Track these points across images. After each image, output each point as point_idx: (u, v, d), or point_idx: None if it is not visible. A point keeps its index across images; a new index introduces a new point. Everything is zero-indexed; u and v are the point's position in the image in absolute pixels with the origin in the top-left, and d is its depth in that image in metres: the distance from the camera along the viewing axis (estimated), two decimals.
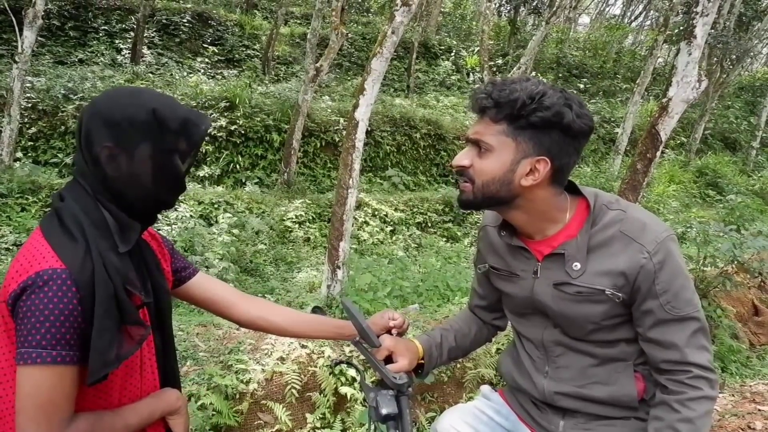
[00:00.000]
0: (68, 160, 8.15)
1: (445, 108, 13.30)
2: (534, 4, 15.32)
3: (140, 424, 1.12)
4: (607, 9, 29.97)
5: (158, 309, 1.20)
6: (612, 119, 14.18)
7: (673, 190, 11.63)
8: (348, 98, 11.66)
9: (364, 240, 8.11)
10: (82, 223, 1.03)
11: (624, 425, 1.29)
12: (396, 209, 8.98)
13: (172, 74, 11.28)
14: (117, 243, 1.06)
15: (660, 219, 1.26)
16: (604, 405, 1.29)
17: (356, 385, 2.89)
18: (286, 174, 9.09)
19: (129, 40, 11.76)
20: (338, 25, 8.16)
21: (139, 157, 1.06)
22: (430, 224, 9.16)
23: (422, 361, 1.45)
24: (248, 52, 13.32)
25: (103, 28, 11.96)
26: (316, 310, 1.59)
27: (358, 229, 8.12)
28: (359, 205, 8.37)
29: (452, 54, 16.03)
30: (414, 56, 14.25)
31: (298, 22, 15.90)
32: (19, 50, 7.32)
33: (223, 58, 12.89)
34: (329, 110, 10.54)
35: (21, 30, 7.32)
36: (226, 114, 9.35)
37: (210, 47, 12.85)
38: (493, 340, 3.41)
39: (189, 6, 13.95)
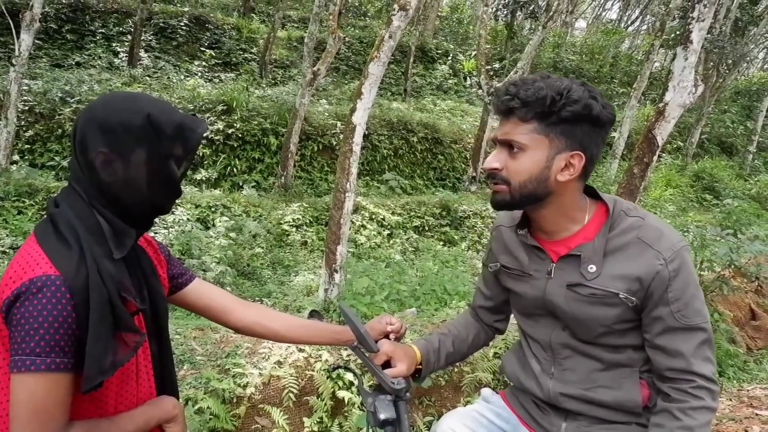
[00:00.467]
0: (65, 163, 8.13)
1: (442, 112, 13.34)
2: (531, 8, 15.38)
3: None
4: (603, 13, 30.11)
5: (155, 315, 1.19)
6: None
7: (670, 194, 11.67)
8: (345, 102, 11.67)
9: (362, 243, 8.10)
10: (76, 229, 1.02)
11: (625, 430, 1.29)
12: (393, 213, 8.98)
13: (169, 77, 11.29)
14: (112, 249, 1.05)
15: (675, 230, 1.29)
16: (608, 409, 1.29)
17: (353, 389, 2.88)
18: (283, 177, 9.09)
19: (126, 44, 11.77)
20: (335, 29, 8.18)
21: (135, 163, 1.05)
22: (427, 228, 9.16)
23: (420, 366, 1.45)
24: (245, 55, 13.33)
25: (100, 31, 11.96)
26: (313, 313, 1.58)
27: (355, 233, 8.12)
28: (356, 209, 8.37)
29: (449, 58, 16.08)
30: (411, 60, 14.29)
31: (296, 25, 15.92)
32: (16, 53, 7.32)
33: (220, 61, 12.90)
34: (326, 114, 10.55)
35: (18, 33, 7.32)
36: (223, 117, 9.35)
37: (207, 51, 12.86)
38: (491, 344, 3.41)
39: (186, 9, 13.97)
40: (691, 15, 4.11)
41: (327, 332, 1.47)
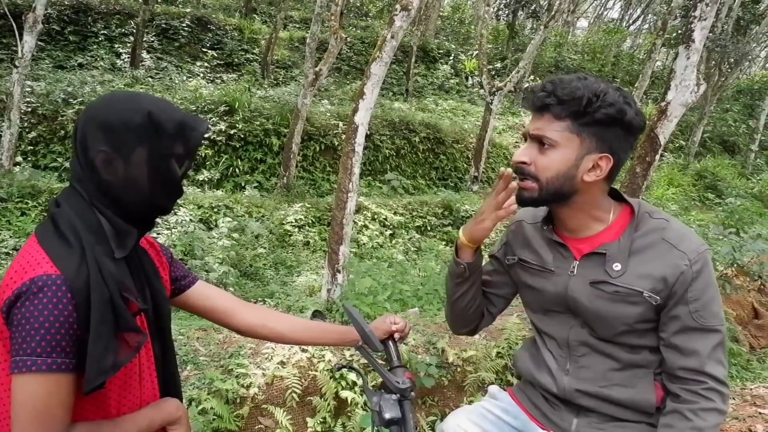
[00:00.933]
0: (68, 165, 8.15)
1: (444, 112, 13.33)
2: (532, 8, 15.38)
3: None
4: (605, 12, 30.09)
5: (157, 316, 1.18)
6: None
7: (672, 193, 11.65)
8: (347, 102, 11.68)
9: (364, 244, 8.11)
10: (77, 229, 1.01)
11: (635, 429, 1.30)
12: (395, 213, 8.98)
13: (171, 78, 11.31)
14: (113, 248, 1.04)
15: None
16: (621, 407, 1.30)
17: (357, 389, 2.88)
18: (285, 178, 9.09)
19: (128, 45, 11.78)
20: (337, 30, 8.18)
21: (136, 162, 1.04)
22: (429, 228, 9.16)
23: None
24: (247, 56, 13.34)
25: (102, 32, 11.98)
26: (316, 314, 1.58)
27: (357, 233, 8.12)
28: (358, 209, 8.37)
29: (451, 58, 16.08)
30: (413, 60, 14.29)
31: (297, 26, 15.94)
32: (19, 54, 7.34)
33: (222, 62, 12.91)
34: (328, 114, 10.56)
35: (21, 34, 7.34)
36: (225, 118, 9.36)
37: (209, 51, 12.87)
38: (494, 344, 3.42)
39: (188, 10, 13.98)
40: (693, 14, 4.11)
41: (331, 333, 1.47)
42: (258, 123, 9.55)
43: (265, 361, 2.89)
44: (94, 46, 11.62)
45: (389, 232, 8.62)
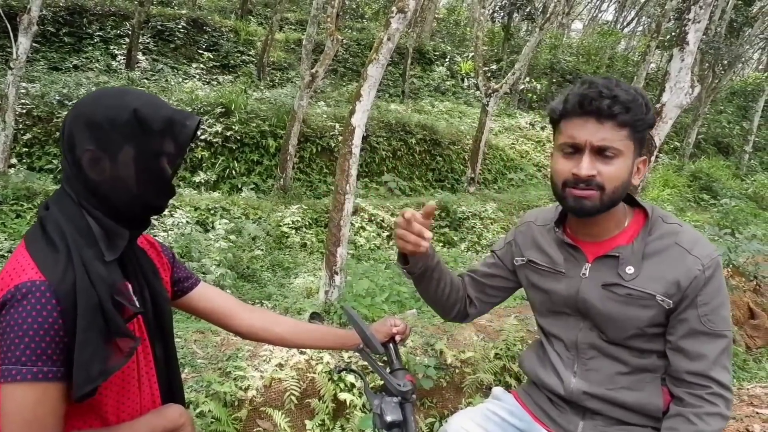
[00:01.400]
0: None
1: (440, 113, 13.35)
2: (527, 10, 15.42)
3: None
4: (599, 15, 30.21)
5: (157, 318, 1.15)
6: None
7: (667, 194, 11.70)
8: (343, 104, 11.68)
9: (361, 245, 8.10)
10: (64, 232, 0.98)
11: None
12: (392, 214, 8.97)
13: (167, 80, 11.28)
14: (103, 251, 1.00)
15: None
16: (629, 411, 1.30)
17: (355, 391, 2.88)
18: (282, 179, 9.08)
19: (124, 46, 11.76)
20: (333, 31, 8.18)
21: (123, 161, 1.01)
22: None
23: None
24: (243, 57, 13.33)
25: (97, 34, 11.94)
26: (314, 316, 1.58)
27: (354, 235, 8.12)
28: (355, 211, 8.36)
29: (447, 60, 16.11)
30: (409, 62, 14.31)
31: (293, 28, 15.94)
32: (14, 56, 7.30)
33: (218, 63, 12.90)
34: (325, 116, 10.56)
35: (16, 36, 7.30)
36: (221, 120, 9.34)
37: (205, 53, 12.86)
38: (492, 345, 3.42)
39: (184, 12, 13.96)
40: (686, 16, 4.13)
41: (332, 337, 1.46)
42: (254, 125, 9.54)
43: (263, 364, 2.88)
44: (90, 48, 11.59)
45: (386, 233, 8.62)
